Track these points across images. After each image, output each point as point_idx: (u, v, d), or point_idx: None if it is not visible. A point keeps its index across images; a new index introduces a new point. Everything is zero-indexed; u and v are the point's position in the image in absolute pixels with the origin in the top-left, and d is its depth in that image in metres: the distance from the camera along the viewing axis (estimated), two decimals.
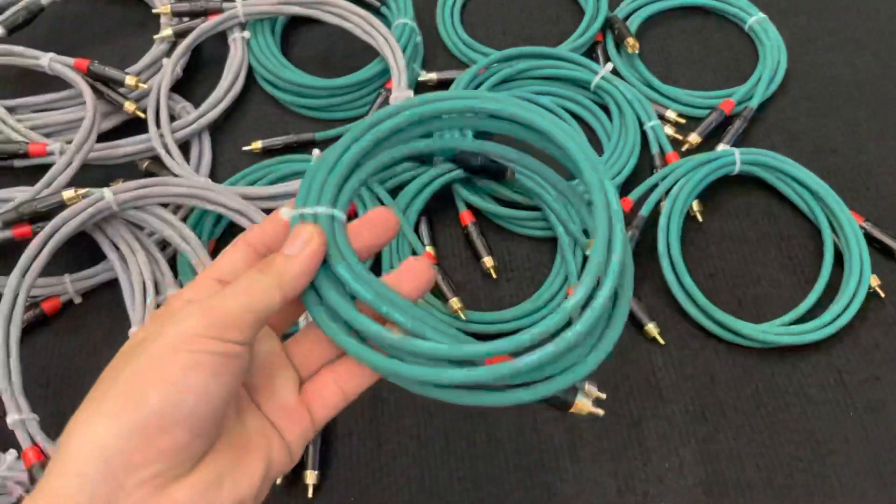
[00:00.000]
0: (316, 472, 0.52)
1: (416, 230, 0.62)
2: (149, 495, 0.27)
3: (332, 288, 0.33)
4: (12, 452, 0.50)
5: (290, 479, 0.52)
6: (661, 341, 0.58)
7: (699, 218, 0.64)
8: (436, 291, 0.60)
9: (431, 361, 0.32)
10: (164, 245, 0.61)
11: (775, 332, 0.57)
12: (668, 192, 0.62)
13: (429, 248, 0.61)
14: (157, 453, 0.27)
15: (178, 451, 0.28)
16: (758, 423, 0.55)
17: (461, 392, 0.33)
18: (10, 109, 0.67)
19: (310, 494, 0.52)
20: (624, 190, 0.65)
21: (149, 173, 0.65)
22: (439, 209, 0.65)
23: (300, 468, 0.52)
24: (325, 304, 0.33)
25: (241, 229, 0.59)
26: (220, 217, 0.63)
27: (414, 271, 0.35)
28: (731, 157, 0.63)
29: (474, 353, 0.32)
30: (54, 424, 0.54)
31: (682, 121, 0.70)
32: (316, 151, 0.65)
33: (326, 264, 0.33)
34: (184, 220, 0.62)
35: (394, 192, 0.64)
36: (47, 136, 0.66)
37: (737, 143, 0.68)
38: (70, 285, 0.59)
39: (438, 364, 0.32)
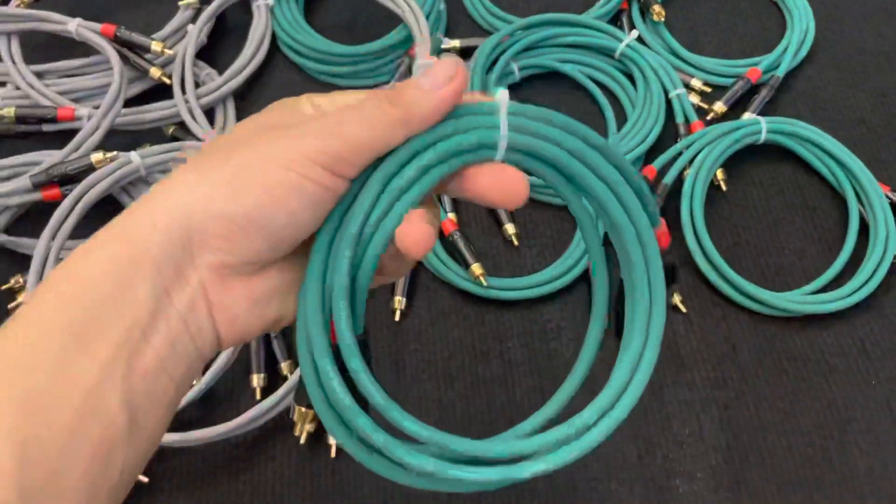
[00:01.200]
0: None
1: (439, 198, 0.63)
2: (210, 279, 0.27)
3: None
4: None
5: (314, 439, 0.53)
6: (684, 309, 0.58)
7: (723, 187, 0.63)
8: (457, 257, 0.60)
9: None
10: None
11: (798, 301, 0.57)
12: (692, 160, 0.62)
13: (451, 215, 0.62)
14: (231, 246, 0.27)
15: (250, 254, 0.27)
16: (779, 391, 0.55)
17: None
18: (39, 75, 0.68)
19: (333, 454, 0.52)
20: (648, 158, 0.65)
21: (175, 139, 0.66)
22: None
23: (322, 430, 0.53)
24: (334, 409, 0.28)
25: None
26: None
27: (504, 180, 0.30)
28: (757, 125, 0.62)
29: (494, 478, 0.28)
30: None
31: (708, 89, 0.69)
32: None
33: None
34: None
35: None
36: (75, 101, 0.67)
37: (763, 113, 0.67)
38: None
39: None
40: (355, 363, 0.27)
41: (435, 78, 0.28)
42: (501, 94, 0.30)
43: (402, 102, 0.27)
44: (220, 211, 0.26)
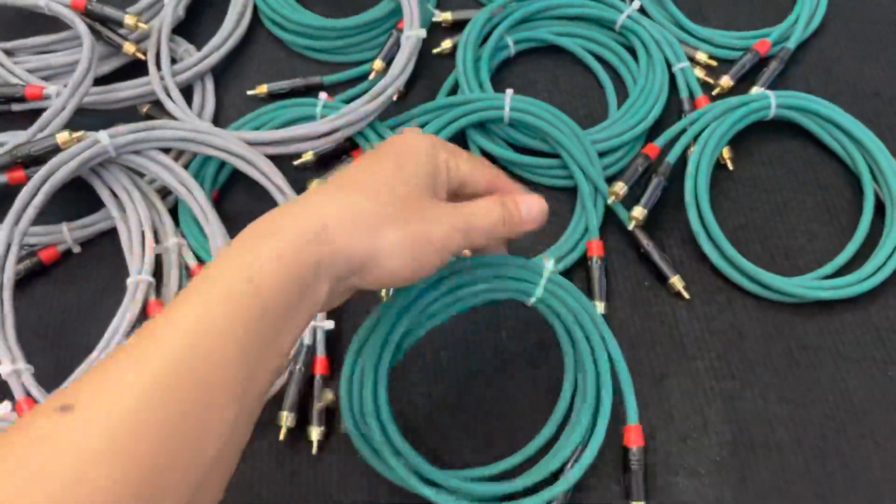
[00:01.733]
0: (321, 429, 0.50)
1: None
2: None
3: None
4: (6, 405, 0.48)
5: (294, 435, 0.50)
6: (687, 295, 0.54)
7: (730, 165, 0.60)
8: None
9: None
10: (165, 193, 0.59)
11: (809, 286, 0.54)
12: (696, 137, 0.58)
13: None
14: (378, 284, 0.37)
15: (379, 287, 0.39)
16: (789, 381, 0.51)
17: None
18: (9, 52, 0.64)
19: (314, 451, 0.49)
20: (650, 135, 0.61)
21: (150, 118, 0.63)
22: None
23: (305, 424, 0.50)
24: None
25: (245, 178, 0.56)
26: (222, 165, 0.60)
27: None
28: (766, 100, 0.59)
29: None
30: (53, 375, 0.53)
31: (714, 63, 0.65)
32: (323, 95, 0.61)
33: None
34: (185, 168, 0.59)
35: None
36: (46, 79, 0.64)
37: (772, 86, 0.63)
38: (68, 234, 0.56)
39: None
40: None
41: (534, 214, 0.42)
42: (548, 263, 0.47)
43: (512, 224, 0.41)
44: (391, 271, 0.36)
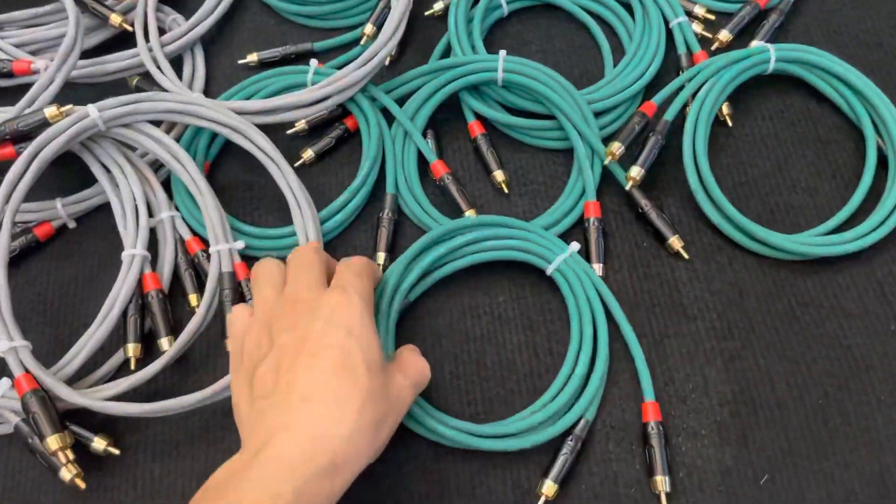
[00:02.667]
0: None
1: (426, 140, 0.58)
2: None
3: None
4: (5, 381, 0.48)
5: None
6: (686, 256, 0.54)
7: (729, 122, 0.59)
8: (446, 206, 0.57)
9: None
10: (158, 166, 0.58)
11: (811, 242, 0.53)
12: (695, 94, 0.57)
13: (439, 160, 0.57)
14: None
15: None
16: (790, 339, 0.51)
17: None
18: None
19: None
20: (647, 93, 0.60)
21: (140, 90, 0.62)
22: (447, 120, 0.61)
23: None
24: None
25: (237, 149, 0.56)
26: (214, 137, 0.59)
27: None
28: (766, 53, 0.57)
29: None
30: (52, 351, 0.53)
31: (712, 17, 0.64)
32: (314, 62, 0.60)
33: None
34: (177, 140, 0.58)
35: (399, 101, 0.59)
36: (34, 53, 0.63)
37: (772, 40, 0.62)
38: (62, 209, 0.56)
39: None
40: None
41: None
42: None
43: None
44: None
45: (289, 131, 0.60)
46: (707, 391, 0.50)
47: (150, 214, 0.56)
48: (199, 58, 0.64)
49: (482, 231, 0.52)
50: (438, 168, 0.57)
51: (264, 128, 0.57)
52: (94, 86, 0.63)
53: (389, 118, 0.59)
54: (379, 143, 0.58)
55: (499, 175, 0.57)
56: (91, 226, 0.58)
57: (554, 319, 0.53)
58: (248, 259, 0.55)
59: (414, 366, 0.45)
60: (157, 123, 0.58)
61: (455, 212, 0.56)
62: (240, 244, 0.54)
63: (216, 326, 0.53)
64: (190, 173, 0.54)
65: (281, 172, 0.55)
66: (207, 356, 0.53)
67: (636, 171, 0.54)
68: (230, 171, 0.60)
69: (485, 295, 0.54)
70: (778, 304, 0.52)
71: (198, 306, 0.52)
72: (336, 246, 0.57)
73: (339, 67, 0.60)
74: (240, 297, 0.53)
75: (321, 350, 0.39)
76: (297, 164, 0.59)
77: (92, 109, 0.53)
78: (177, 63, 0.63)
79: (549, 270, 0.51)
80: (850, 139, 0.58)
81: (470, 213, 0.54)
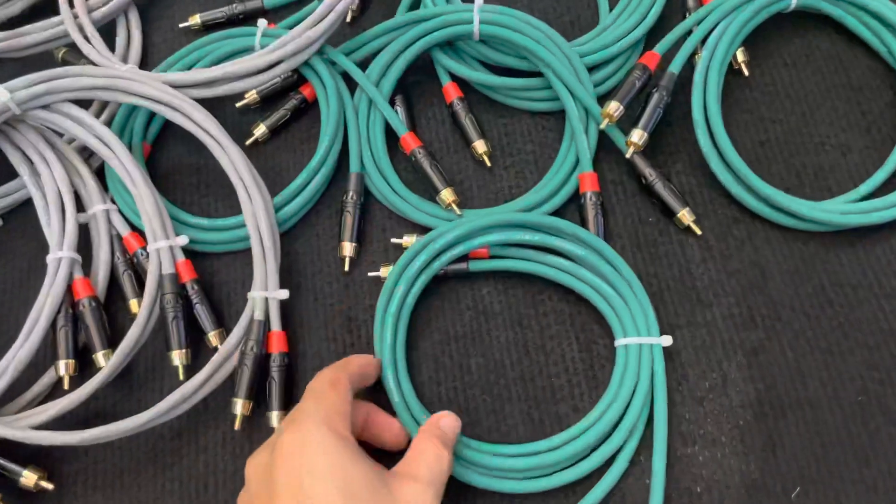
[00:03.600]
0: (282, 414, 0.43)
1: (393, 108, 0.51)
2: None
3: None
4: None
5: (250, 423, 0.44)
6: (698, 231, 0.46)
7: (745, 71, 0.51)
8: (419, 184, 0.49)
9: None
10: (90, 153, 0.51)
11: (843, 210, 0.45)
12: (704, 40, 0.49)
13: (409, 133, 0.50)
14: None
15: None
16: (822, 325, 0.44)
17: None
18: None
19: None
20: (649, 42, 0.52)
21: (66, 63, 0.54)
22: (418, 83, 0.53)
23: (260, 412, 0.44)
24: None
25: (179, 130, 0.48)
26: (153, 115, 0.52)
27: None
28: None
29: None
30: None
31: None
32: (262, 22, 0.52)
33: None
34: (110, 120, 0.51)
35: (362, 65, 0.51)
36: None
37: None
38: None
39: None
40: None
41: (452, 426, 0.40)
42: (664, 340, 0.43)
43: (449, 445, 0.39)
44: None
45: (238, 104, 0.53)
46: (727, 391, 0.43)
47: (82, 209, 0.49)
48: (133, 24, 0.56)
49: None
50: (409, 141, 0.49)
51: (208, 101, 0.49)
52: (16, 61, 0.55)
53: (351, 84, 0.51)
54: (339, 114, 0.50)
55: (479, 146, 0.50)
56: (19, 224, 0.52)
57: (547, 312, 0.46)
58: (195, 256, 0.48)
59: (425, 463, 0.37)
60: (87, 103, 0.50)
61: (428, 191, 0.48)
62: (182, 239, 0.47)
63: (160, 336, 0.46)
64: (120, 159, 0.47)
65: (224, 153, 0.47)
66: (152, 369, 0.47)
67: (638, 135, 0.47)
68: (174, 152, 0.53)
69: (466, 287, 0.47)
70: (807, 284, 0.45)
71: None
72: (296, 236, 0.49)
73: (292, 27, 0.52)
74: (185, 301, 0.46)
75: None
76: (248, 142, 0.52)
77: (2, 91, 0.45)
78: (107, 31, 0.55)
79: (619, 343, 0.43)
80: (887, 86, 0.50)
81: (447, 193, 0.47)
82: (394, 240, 0.47)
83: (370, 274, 0.47)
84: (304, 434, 0.34)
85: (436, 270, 0.45)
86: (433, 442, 0.38)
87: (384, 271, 0.46)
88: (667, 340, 0.42)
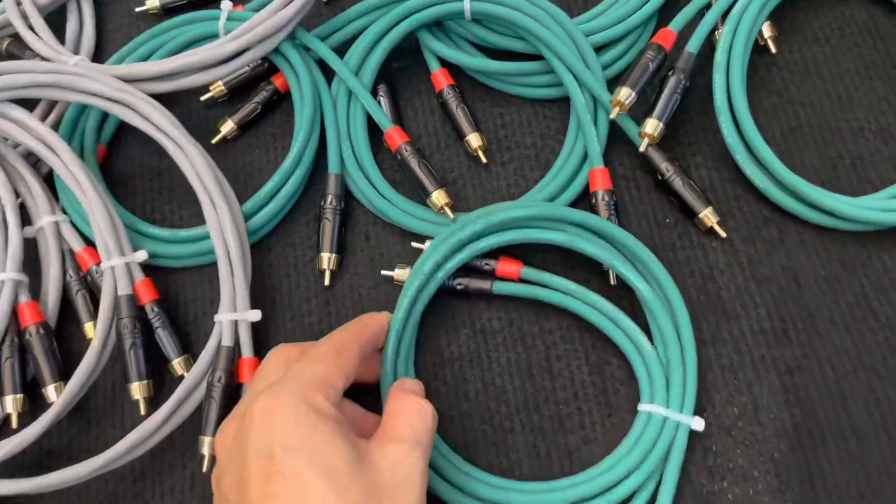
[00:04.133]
0: None
1: (376, 99, 0.45)
2: None
3: None
4: None
5: None
6: (722, 233, 0.41)
7: (772, 48, 0.45)
8: (407, 185, 0.44)
9: None
10: (37, 158, 0.45)
11: (886, 206, 0.40)
12: (726, 14, 0.43)
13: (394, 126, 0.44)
14: None
15: None
16: (865, 340, 0.39)
17: None
18: None
19: None
20: (662, 17, 0.46)
21: (11, 56, 0.49)
22: (404, 70, 0.47)
23: None
24: None
25: (135, 132, 0.42)
26: (106, 115, 0.46)
27: None
28: None
29: None
30: None
31: None
32: (226, 4, 0.46)
33: None
34: (59, 120, 0.46)
35: (340, 50, 0.46)
36: None
37: None
38: None
39: None
40: None
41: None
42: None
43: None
44: None
45: (203, 97, 0.47)
46: (759, 417, 0.38)
47: (29, 221, 0.44)
48: (86, 9, 0.50)
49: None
50: (394, 136, 0.43)
51: (168, 96, 0.44)
52: None
53: (328, 73, 0.46)
54: (315, 107, 0.44)
55: (474, 140, 0.44)
56: None
57: (552, 329, 0.40)
58: (157, 272, 0.43)
59: (405, 420, 0.32)
60: (33, 103, 0.45)
61: (417, 193, 0.43)
62: (140, 255, 0.42)
63: (119, 363, 0.41)
64: (67, 165, 0.42)
65: (184, 154, 0.42)
66: (112, 402, 0.42)
67: (653, 125, 0.41)
68: (132, 154, 0.47)
69: (462, 302, 0.41)
70: (847, 292, 0.40)
71: None
72: (269, 247, 0.44)
73: (260, 9, 0.46)
74: (144, 325, 0.41)
75: (266, 499, 0.28)
76: (215, 140, 0.46)
77: None
78: (56, 19, 0.50)
79: (643, 408, 0.37)
80: None
81: (438, 195, 0.42)
82: (384, 272, 0.42)
83: (384, 273, 0.42)
84: (278, 403, 0.30)
85: (448, 273, 0.39)
86: (410, 398, 0.33)
87: (401, 273, 0.41)
88: (698, 424, 0.36)
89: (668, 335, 0.37)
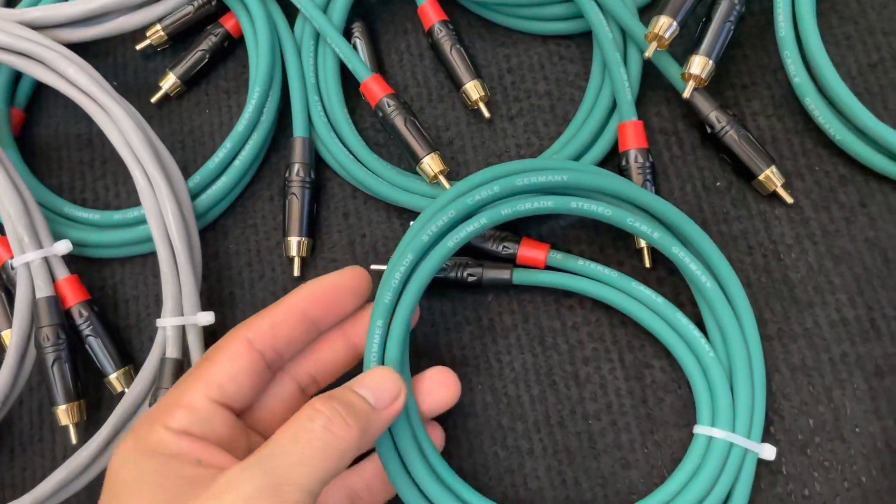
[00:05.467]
0: None
1: (350, 42, 0.36)
2: None
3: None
4: None
5: None
6: (788, 199, 0.33)
7: None
8: (392, 148, 0.35)
9: None
10: None
11: None
12: None
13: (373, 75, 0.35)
14: None
15: None
16: None
17: None
18: None
19: None
20: None
21: None
22: (384, 3, 0.38)
23: None
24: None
25: (55, 95, 0.34)
26: (19, 74, 0.38)
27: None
28: None
29: None
30: None
31: None
32: None
33: None
34: None
35: None
36: None
37: None
38: None
39: None
40: None
41: (383, 395, 0.26)
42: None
43: (357, 422, 0.24)
44: None
45: (139, 45, 0.39)
46: (841, 431, 0.30)
47: None
48: None
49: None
50: (374, 88, 0.35)
51: (95, 47, 0.35)
52: None
53: (290, 11, 0.37)
54: (274, 53, 0.36)
55: (473, 89, 0.35)
56: None
57: (578, 324, 0.33)
58: (88, 265, 0.35)
59: (295, 447, 0.23)
60: None
61: (404, 158, 0.35)
62: (61, 247, 0.33)
63: (43, 382, 0.33)
64: None
65: (109, 118, 0.33)
66: (39, 426, 0.34)
67: (700, 64, 0.32)
68: (55, 120, 0.39)
69: (464, 292, 0.33)
70: None
71: None
72: (224, 230, 0.36)
73: None
74: (73, 334, 0.33)
75: None
76: (155, 99, 0.38)
77: None
78: None
79: (700, 431, 0.29)
80: None
81: (430, 161, 0.33)
82: (374, 266, 0.33)
83: (374, 267, 0.33)
84: (127, 439, 0.25)
85: (451, 250, 0.29)
86: (309, 420, 0.24)
87: None
88: (769, 453, 0.29)
89: (731, 337, 0.29)
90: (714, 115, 0.33)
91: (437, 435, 0.30)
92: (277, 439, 0.23)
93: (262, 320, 0.27)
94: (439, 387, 0.29)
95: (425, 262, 0.29)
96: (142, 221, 0.35)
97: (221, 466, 0.24)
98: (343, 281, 0.28)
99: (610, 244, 0.33)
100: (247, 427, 0.27)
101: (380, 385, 0.26)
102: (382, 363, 0.28)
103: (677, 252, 0.30)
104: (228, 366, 0.26)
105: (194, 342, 0.32)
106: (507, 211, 0.29)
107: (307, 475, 0.22)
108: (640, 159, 0.33)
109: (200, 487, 0.22)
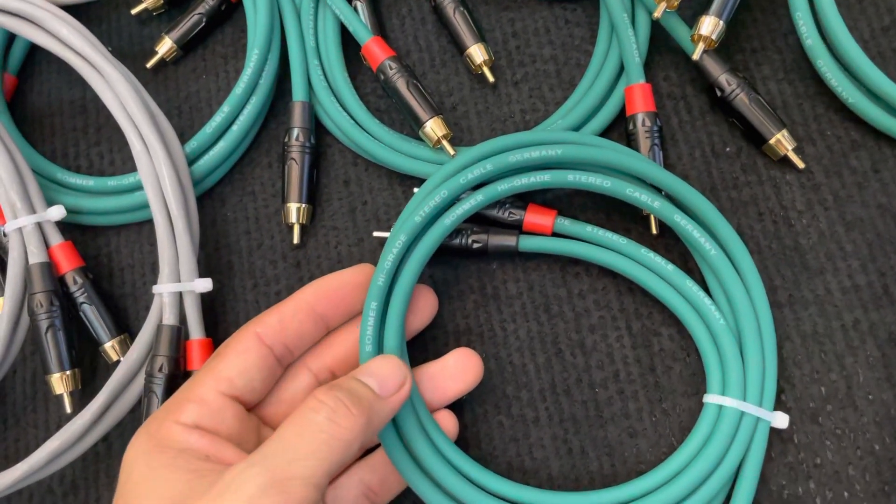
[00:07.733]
0: None
1: (351, 4, 0.35)
2: None
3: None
4: None
5: None
6: (800, 163, 0.32)
7: None
8: (395, 112, 0.35)
9: None
10: None
11: None
12: None
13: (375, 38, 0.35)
14: None
15: None
16: None
17: None
18: None
19: None
20: None
21: None
22: None
23: None
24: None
25: (53, 57, 0.33)
26: (12, 38, 0.37)
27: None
28: None
29: None
30: None
31: None
32: None
33: None
34: None
35: None
36: None
37: None
38: None
39: None
40: None
41: (388, 383, 0.26)
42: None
43: (362, 411, 0.24)
44: None
45: (134, 10, 0.38)
46: (853, 398, 0.29)
47: None
48: None
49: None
50: (376, 51, 0.34)
51: (89, 10, 0.34)
52: None
53: None
54: (272, 16, 0.35)
55: (477, 53, 0.34)
56: None
57: (584, 292, 0.32)
58: (83, 232, 0.34)
59: (300, 442, 0.23)
60: None
61: (407, 123, 0.34)
62: (55, 212, 0.33)
63: (37, 351, 0.33)
64: None
65: (105, 82, 0.32)
66: (33, 396, 0.34)
67: (710, 25, 0.31)
68: (49, 85, 0.38)
69: (468, 260, 0.33)
70: None
71: None
72: (222, 197, 0.35)
73: None
74: (67, 302, 0.32)
75: None
76: (151, 63, 0.37)
77: None
78: None
79: (710, 400, 0.28)
80: None
81: (434, 125, 0.32)
82: (376, 233, 0.33)
83: (376, 234, 0.33)
84: (132, 443, 0.25)
85: (453, 224, 0.29)
86: (314, 412, 0.24)
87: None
88: (781, 421, 0.28)
89: (739, 304, 0.28)
90: (724, 78, 0.32)
91: (451, 422, 0.29)
92: (281, 433, 0.23)
93: (270, 316, 0.27)
94: (464, 372, 0.29)
95: (421, 242, 0.29)
96: (137, 188, 0.34)
97: (229, 461, 0.24)
98: (351, 277, 0.29)
99: (616, 211, 0.32)
100: (262, 422, 0.27)
101: (384, 373, 0.26)
102: (380, 347, 0.28)
103: (679, 220, 0.29)
104: (238, 360, 0.26)
105: (192, 309, 0.31)
106: (503, 187, 0.29)
107: (312, 468, 0.22)
108: (648, 123, 0.32)
109: (207, 483, 0.22)
